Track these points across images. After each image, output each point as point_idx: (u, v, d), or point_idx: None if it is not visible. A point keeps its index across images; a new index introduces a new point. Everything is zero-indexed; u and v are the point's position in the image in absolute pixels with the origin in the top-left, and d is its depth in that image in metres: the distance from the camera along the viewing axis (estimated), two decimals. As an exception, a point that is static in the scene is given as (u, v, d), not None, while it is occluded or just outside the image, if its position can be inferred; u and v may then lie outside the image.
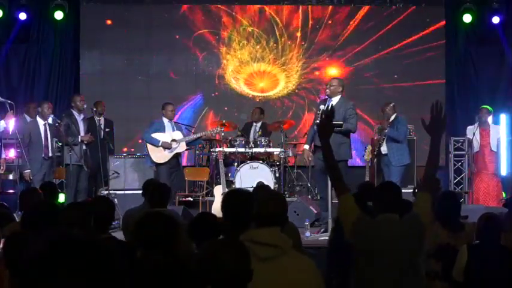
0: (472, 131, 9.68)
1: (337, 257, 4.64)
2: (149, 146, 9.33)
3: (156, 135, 9.29)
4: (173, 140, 9.30)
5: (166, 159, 9.25)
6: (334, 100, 8.23)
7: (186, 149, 9.86)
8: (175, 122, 9.62)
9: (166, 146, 9.25)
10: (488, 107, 9.87)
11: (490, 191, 9.46)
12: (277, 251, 3.11)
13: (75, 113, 9.22)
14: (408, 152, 9.11)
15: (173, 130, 9.45)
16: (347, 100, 8.47)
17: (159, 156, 9.26)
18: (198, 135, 9.86)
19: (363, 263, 3.65)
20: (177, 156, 9.42)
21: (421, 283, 3.67)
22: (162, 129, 9.36)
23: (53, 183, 7.78)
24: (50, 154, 8.92)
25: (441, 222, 4.79)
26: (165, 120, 9.43)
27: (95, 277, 1.84)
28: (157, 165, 9.30)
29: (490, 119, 9.90)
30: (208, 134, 9.99)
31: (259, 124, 10.88)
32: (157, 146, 9.26)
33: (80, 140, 9.03)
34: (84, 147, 9.16)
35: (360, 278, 3.67)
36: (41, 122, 8.90)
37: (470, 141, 9.75)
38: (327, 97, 8.32)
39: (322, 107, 8.06)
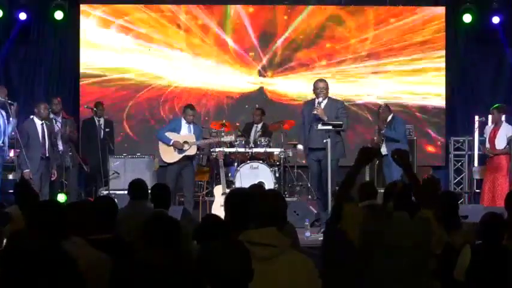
0: (488, 131, 9.66)
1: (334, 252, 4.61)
2: (160, 145, 9.30)
3: (168, 135, 9.26)
4: (185, 142, 9.24)
5: (175, 160, 9.19)
6: (324, 101, 8.22)
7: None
8: (195, 124, 9.49)
9: (178, 146, 9.18)
10: (499, 105, 9.75)
11: (495, 190, 9.41)
12: (274, 251, 3.11)
13: (52, 115, 9.29)
14: (408, 151, 9.09)
15: (189, 132, 9.38)
16: (336, 100, 8.44)
17: (169, 156, 9.22)
18: (211, 140, 9.80)
19: (370, 261, 3.65)
20: (191, 158, 9.32)
21: (425, 284, 3.66)
22: (177, 128, 9.31)
23: (26, 180, 7.79)
24: (47, 154, 8.93)
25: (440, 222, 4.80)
26: (183, 121, 9.38)
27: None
28: (167, 165, 9.25)
29: (503, 117, 9.77)
30: (221, 140, 9.89)
31: (260, 125, 10.88)
32: (169, 145, 9.22)
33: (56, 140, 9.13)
34: (60, 147, 9.16)
35: (366, 275, 3.66)
36: (38, 121, 8.93)
37: (484, 142, 9.73)
38: (314, 99, 8.27)
39: (316, 107, 8.10)
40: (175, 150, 9.19)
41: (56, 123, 9.24)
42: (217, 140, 9.82)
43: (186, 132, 9.33)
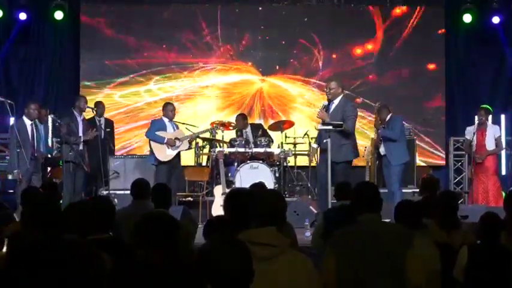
0: (471, 132, 9.67)
1: None
2: (153, 144, 9.32)
3: (160, 134, 9.31)
4: (176, 139, 9.31)
5: (170, 158, 9.24)
6: (336, 102, 8.22)
7: (188, 148, 9.86)
8: (174, 122, 9.62)
9: (171, 144, 9.25)
10: (487, 106, 9.83)
11: (488, 190, 9.44)
12: (274, 251, 3.11)
13: (75, 113, 9.25)
14: (406, 150, 9.07)
15: (173, 129, 9.48)
16: (347, 100, 8.45)
17: (163, 154, 9.25)
18: (196, 133, 9.93)
19: (342, 267, 3.62)
20: (178, 155, 9.43)
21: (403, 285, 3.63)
22: (163, 128, 9.39)
23: (55, 182, 7.80)
24: (36, 154, 8.92)
25: (439, 221, 4.81)
26: (166, 120, 9.45)
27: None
28: (158, 164, 9.29)
29: (489, 118, 9.86)
30: (204, 132, 10.09)
31: (248, 129, 10.81)
32: (162, 144, 9.26)
33: (82, 140, 9.06)
34: (81, 147, 9.15)
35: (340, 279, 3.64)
36: (27, 121, 8.92)
37: (469, 142, 9.71)
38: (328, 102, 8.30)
39: (320, 111, 8.15)
40: (169, 147, 9.25)
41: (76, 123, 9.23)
42: (201, 132, 10.06)
43: (171, 130, 9.43)
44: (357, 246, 3.61)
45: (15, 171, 8.66)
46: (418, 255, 3.63)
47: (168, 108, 9.50)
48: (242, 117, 10.95)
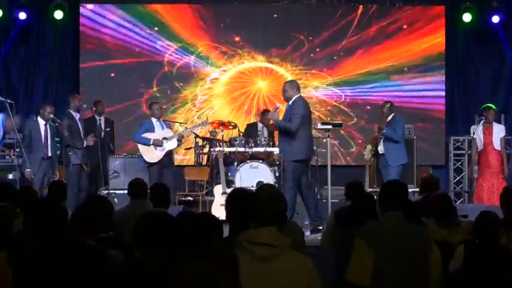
0: (476, 130, 9.68)
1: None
2: (141, 147, 9.31)
3: (146, 135, 9.30)
4: (164, 138, 9.30)
5: (159, 159, 9.23)
6: (290, 103, 8.23)
7: (187, 148, 9.86)
8: (164, 120, 9.62)
9: (158, 144, 9.24)
10: (493, 106, 9.83)
11: (494, 189, 9.42)
12: (274, 251, 3.11)
13: (73, 113, 9.23)
14: (405, 152, 9.04)
15: (162, 129, 9.46)
16: (297, 100, 8.26)
17: (151, 156, 9.24)
18: (186, 130, 9.98)
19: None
20: (169, 154, 9.42)
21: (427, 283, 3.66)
22: (151, 129, 9.36)
23: (62, 182, 7.79)
24: (49, 154, 8.92)
25: (439, 220, 4.83)
26: (154, 120, 9.44)
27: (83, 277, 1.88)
28: (149, 165, 9.28)
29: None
30: (196, 128, 10.16)
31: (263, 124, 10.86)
32: (149, 145, 9.25)
33: (85, 146, 9.07)
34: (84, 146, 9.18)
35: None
36: (41, 122, 8.93)
37: (473, 141, 9.72)
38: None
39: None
40: (157, 148, 9.23)
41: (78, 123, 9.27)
42: (190, 129, 10.10)
43: (160, 130, 9.41)
44: (383, 244, 3.65)
45: (27, 170, 8.67)
46: (437, 260, 3.69)
47: (154, 107, 9.51)
48: (267, 112, 11.08)
